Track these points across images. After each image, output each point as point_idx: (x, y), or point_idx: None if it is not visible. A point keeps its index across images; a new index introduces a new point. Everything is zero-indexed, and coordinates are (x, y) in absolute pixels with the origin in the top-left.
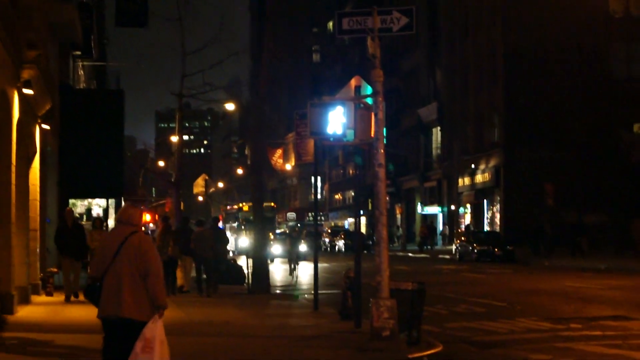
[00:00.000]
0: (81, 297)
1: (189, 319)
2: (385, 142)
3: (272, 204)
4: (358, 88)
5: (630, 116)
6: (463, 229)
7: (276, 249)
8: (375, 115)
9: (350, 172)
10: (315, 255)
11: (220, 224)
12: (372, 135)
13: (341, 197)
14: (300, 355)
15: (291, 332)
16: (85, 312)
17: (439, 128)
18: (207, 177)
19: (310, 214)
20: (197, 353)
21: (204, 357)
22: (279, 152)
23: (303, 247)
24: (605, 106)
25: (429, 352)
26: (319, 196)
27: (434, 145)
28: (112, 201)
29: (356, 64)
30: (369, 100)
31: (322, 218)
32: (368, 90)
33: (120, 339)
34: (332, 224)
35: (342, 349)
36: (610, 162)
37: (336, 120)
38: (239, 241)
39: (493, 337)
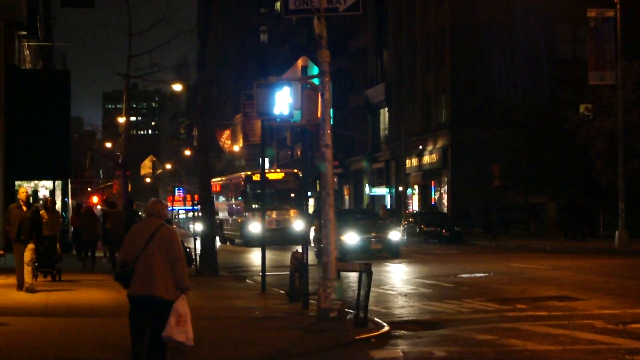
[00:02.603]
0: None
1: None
2: (332, 122)
3: (296, 170)
4: (305, 68)
5: (576, 97)
6: (411, 210)
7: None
8: (322, 95)
9: (299, 153)
10: (262, 238)
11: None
12: (319, 115)
13: None
14: (247, 336)
15: (238, 314)
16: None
17: (386, 109)
18: (154, 159)
19: None
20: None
21: None
22: (227, 133)
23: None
24: (552, 87)
25: (375, 333)
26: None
27: (381, 126)
28: (58, 183)
29: (304, 45)
30: (316, 81)
31: None
32: (315, 70)
33: (148, 315)
34: None
35: (289, 330)
36: (556, 143)
37: (283, 101)
38: (250, 227)
39: (440, 317)
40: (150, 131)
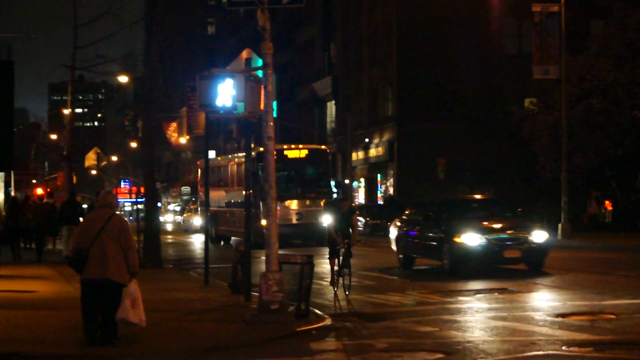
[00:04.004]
0: None
1: (78, 294)
2: (276, 115)
3: (324, 146)
4: (249, 60)
5: (521, 91)
6: (357, 203)
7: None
8: (265, 87)
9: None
10: (206, 229)
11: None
12: (262, 107)
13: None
14: (188, 329)
15: (180, 306)
16: None
17: (333, 102)
18: (99, 151)
19: None
20: (76, 326)
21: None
22: (174, 125)
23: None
24: (498, 81)
25: (317, 325)
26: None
27: (328, 119)
28: (1, 175)
29: (251, 37)
30: (259, 73)
31: None
32: (259, 62)
33: (100, 298)
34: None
35: (230, 322)
36: (502, 137)
37: (226, 93)
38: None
39: (382, 309)
40: (96, 123)
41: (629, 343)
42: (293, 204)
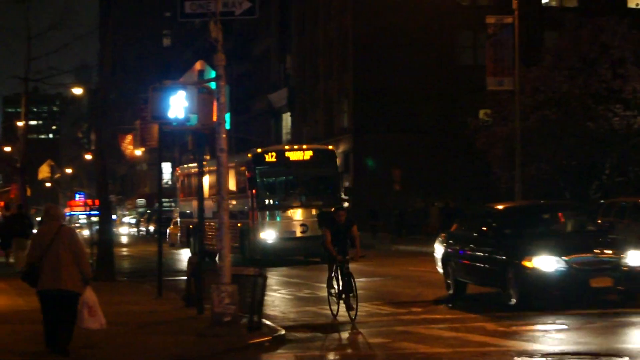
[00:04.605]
0: None
1: (29, 307)
2: (230, 126)
3: (331, 147)
4: (202, 72)
5: (476, 102)
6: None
7: None
8: (218, 99)
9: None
10: (159, 241)
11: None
12: (215, 119)
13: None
14: (140, 342)
15: (132, 319)
16: None
17: (289, 113)
18: (52, 163)
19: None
20: (30, 338)
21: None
22: (129, 138)
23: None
24: (453, 92)
25: (269, 337)
26: (169, 182)
27: (284, 131)
28: None
29: (206, 49)
30: (212, 85)
31: (172, 204)
32: (212, 74)
33: (57, 307)
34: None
35: (183, 335)
36: (458, 148)
37: (179, 105)
38: (261, 235)
39: (335, 320)
40: (51, 135)
41: (579, 353)
42: (297, 214)
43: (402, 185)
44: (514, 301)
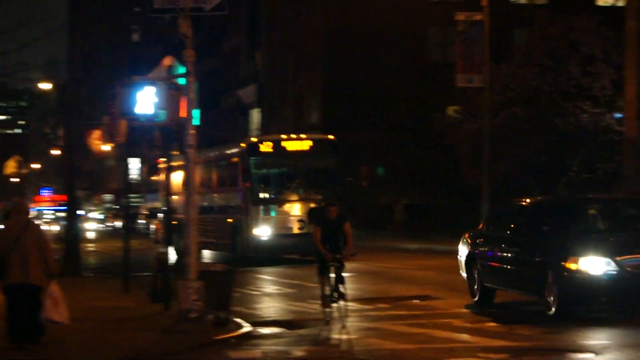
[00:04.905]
0: None
1: None
2: (199, 122)
3: (331, 136)
4: (171, 68)
5: (446, 99)
6: None
7: None
8: (187, 95)
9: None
10: (125, 236)
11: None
12: (183, 115)
13: (160, 179)
14: (105, 338)
15: (98, 315)
16: None
17: (258, 110)
18: (19, 158)
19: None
20: None
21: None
22: (97, 133)
23: None
24: (423, 89)
25: (235, 334)
26: (138, 178)
27: (253, 127)
28: None
29: (176, 45)
30: (181, 81)
31: (140, 200)
32: (180, 70)
33: (23, 300)
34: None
35: (149, 331)
36: (428, 145)
37: (148, 101)
38: (255, 231)
39: (302, 317)
40: (19, 130)
41: (544, 349)
42: (294, 209)
43: (372, 181)
44: (552, 310)
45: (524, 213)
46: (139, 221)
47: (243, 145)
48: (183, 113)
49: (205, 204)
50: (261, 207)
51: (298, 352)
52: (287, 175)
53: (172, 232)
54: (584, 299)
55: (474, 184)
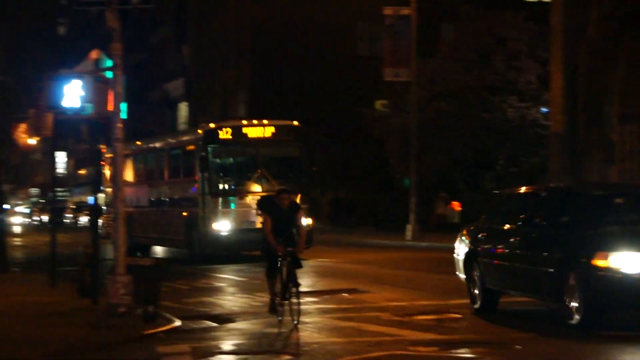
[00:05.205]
0: None
1: None
2: (126, 116)
3: (295, 122)
4: (98, 61)
5: (374, 93)
6: None
7: None
8: (114, 89)
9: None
10: (53, 231)
11: None
12: (110, 109)
13: (86, 173)
14: (31, 334)
15: (24, 310)
16: None
17: (185, 103)
18: None
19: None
20: None
21: None
22: (23, 126)
23: None
24: (351, 83)
25: (164, 328)
26: (64, 172)
27: (181, 121)
28: None
29: (103, 38)
30: (108, 74)
31: (67, 194)
32: (108, 63)
33: None
34: (77, 200)
35: (76, 326)
36: (356, 139)
37: (75, 94)
38: (214, 225)
39: (231, 311)
40: None
41: (474, 342)
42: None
43: None
44: (575, 319)
45: (538, 202)
46: (66, 215)
47: (200, 131)
48: (110, 106)
49: (156, 196)
50: (220, 200)
51: (226, 346)
52: (248, 164)
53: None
54: (615, 305)
55: (401, 177)
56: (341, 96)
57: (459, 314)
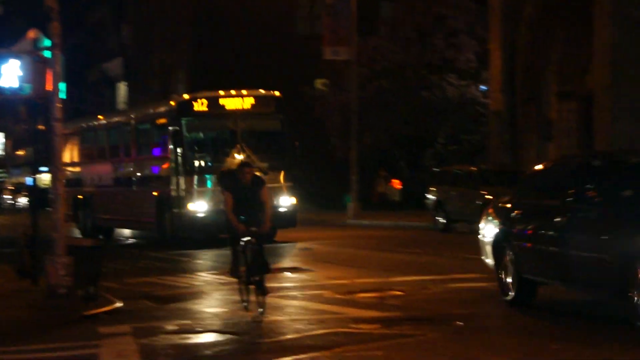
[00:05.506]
0: None
1: None
2: (65, 96)
3: (277, 93)
4: (36, 41)
5: (314, 72)
6: None
7: None
8: (52, 68)
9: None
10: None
11: None
12: (49, 89)
13: (25, 153)
14: None
15: None
16: None
17: (125, 83)
18: None
19: None
20: None
21: None
22: None
23: None
24: (291, 62)
25: (106, 309)
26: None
27: (120, 100)
28: None
29: (42, 17)
30: (46, 54)
31: (5, 175)
32: (46, 43)
33: None
34: (16, 181)
35: (15, 308)
36: (297, 117)
37: (13, 74)
38: (189, 205)
39: (173, 291)
40: None
41: (415, 319)
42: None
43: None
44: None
45: (591, 174)
46: (4, 197)
47: (172, 103)
48: (49, 86)
49: (122, 175)
50: (195, 178)
51: (169, 325)
52: (226, 138)
53: (78, 209)
54: None
55: (342, 156)
56: (282, 75)
57: (401, 291)
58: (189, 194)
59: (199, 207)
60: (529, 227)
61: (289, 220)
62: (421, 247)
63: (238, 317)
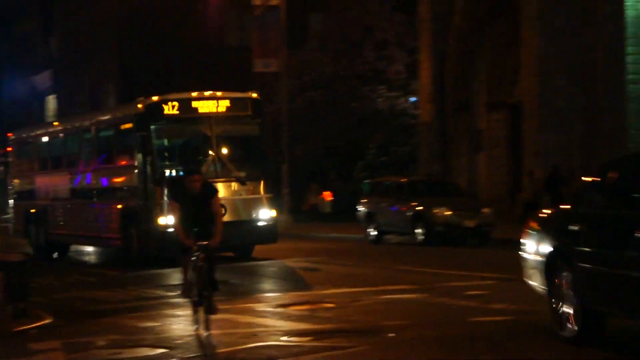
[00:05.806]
0: None
1: None
2: None
3: (254, 94)
4: None
5: (244, 83)
6: None
7: None
8: None
9: None
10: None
11: None
12: None
13: None
14: None
15: None
16: None
17: (54, 96)
18: None
19: None
20: None
21: None
22: None
23: None
24: (223, 74)
25: (36, 324)
26: None
27: (49, 114)
28: None
29: None
30: None
31: None
32: None
33: None
34: None
35: None
36: None
37: None
38: (160, 220)
39: (104, 306)
40: None
41: (347, 331)
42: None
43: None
44: None
45: None
46: None
47: (139, 106)
48: None
49: (81, 186)
50: (166, 189)
51: (100, 341)
52: (199, 145)
53: (29, 223)
54: None
55: (272, 167)
56: (213, 87)
57: (332, 303)
58: (159, 207)
59: (169, 221)
60: (599, 244)
61: (269, 235)
62: (352, 258)
63: (171, 331)
